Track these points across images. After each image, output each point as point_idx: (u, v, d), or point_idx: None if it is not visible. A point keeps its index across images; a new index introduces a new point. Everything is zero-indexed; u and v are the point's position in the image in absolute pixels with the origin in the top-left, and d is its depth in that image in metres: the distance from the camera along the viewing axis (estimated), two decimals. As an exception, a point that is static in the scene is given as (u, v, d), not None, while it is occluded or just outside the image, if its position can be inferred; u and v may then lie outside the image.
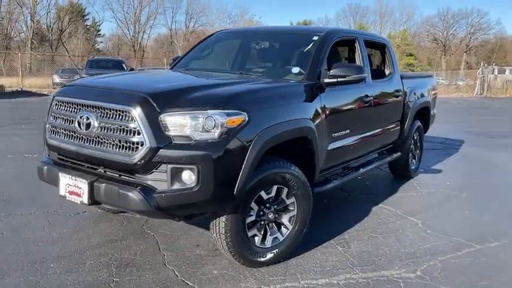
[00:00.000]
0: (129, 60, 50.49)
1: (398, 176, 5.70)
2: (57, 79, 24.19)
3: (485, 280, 3.02)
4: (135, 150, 2.60)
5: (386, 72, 5.05)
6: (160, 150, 2.56)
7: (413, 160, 5.78)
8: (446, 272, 3.13)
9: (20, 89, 20.47)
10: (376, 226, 3.97)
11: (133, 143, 2.61)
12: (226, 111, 2.62)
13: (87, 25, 57.72)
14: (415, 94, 5.45)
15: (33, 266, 2.95)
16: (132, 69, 20.36)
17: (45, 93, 20.21)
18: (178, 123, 2.59)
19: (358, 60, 4.26)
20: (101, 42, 62.38)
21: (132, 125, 2.61)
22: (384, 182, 5.62)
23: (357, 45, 4.31)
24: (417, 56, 62.45)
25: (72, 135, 2.90)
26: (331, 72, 3.53)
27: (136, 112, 2.58)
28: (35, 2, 48.68)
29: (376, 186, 5.38)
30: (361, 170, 4.29)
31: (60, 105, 3.01)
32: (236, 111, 2.66)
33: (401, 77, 5.17)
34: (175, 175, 2.58)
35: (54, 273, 2.88)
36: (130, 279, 2.83)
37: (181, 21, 60.49)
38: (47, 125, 3.12)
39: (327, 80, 3.55)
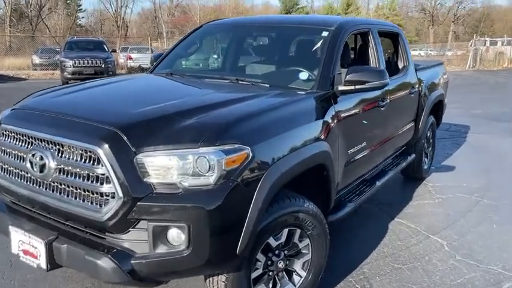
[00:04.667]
0: (113, 36, 48.80)
1: (409, 177, 5.16)
2: (36, 60, 22.98)
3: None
4: (105, 204, 1.97)
5: (400, 65, 4.42)
6: (138, 203, 1.94)
7: (426, 159, 5.23)
8: (491, 321, 2.61)
9: (-4, 73, 19.37)
10: (397, 252, 3.43)
11: (102, 194, 1.98)
12: (223, 147, 2.00)
13: (67, 0, 55.38)
14: (429, 88, 4.86)
15: None
16: (114, 51, 19.35)
17: (23, 77, 19.16)
18: (161, 166, 1.97)
19: (373, 57, 3.62)
20: (83, 17, 60.12)
21: (99, 170, 1.97)
22: (395, 186, 5.07)
23: (370, 37, 3.66)
24: (405, 26, 61.54)
25: (25, 175, 2.25)
26: (348, 77, 2.90)
27: (104, 153, 1.95)
28: (11, -25, 46.40)
29: (388, 192, 4.82)
30: (377, 184, 3.71)
31: (7, 135, 2.35)
32: (237, 145, 2.03)
33: (415, 69, 4.57)
34: (159, 235, 1.97)
35: None
36: None
37: (166, -6, 58.26)
38: None
39: (341, 88, 2.92)
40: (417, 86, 4.46)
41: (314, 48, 3.22)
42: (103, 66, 15.30)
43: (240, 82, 3.04)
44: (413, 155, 4.68)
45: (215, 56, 3.82)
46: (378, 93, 3.37)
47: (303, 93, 2.84)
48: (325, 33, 3.20)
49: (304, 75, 3.02)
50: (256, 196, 2.07)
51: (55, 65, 20.91)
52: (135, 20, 63.56)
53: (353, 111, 3.06)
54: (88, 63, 15.13)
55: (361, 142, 3.24)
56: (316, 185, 2.74)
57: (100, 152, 1.94)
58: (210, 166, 1.96)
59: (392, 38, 4.48)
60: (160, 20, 53.79)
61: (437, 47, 40.77)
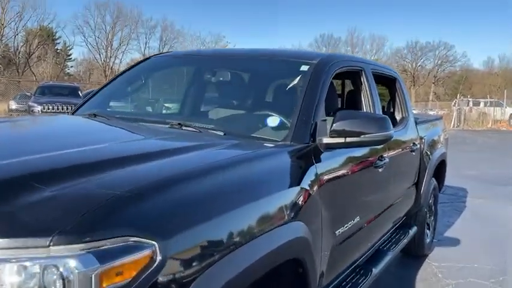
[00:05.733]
0: (100, 85, 48.26)
1: (408, 254, 4.20)
2: (13, 105, 22.12)
3: None
4: None
5: (397, 116, 3.62)
6: None
7: (428, 231, 4.31)
8: None
9: (-36, 117, 18.27)
10: None
11: None
12: (99, 245, 1.04)
13: (57, 49, 55.46)
14: (431, 145, 4.05)
15: None
16: (88, 97, 18.51)
17: (-9, 121, 18.10)
18: (-26, 280, 1.00)
19: (366, 104, 2.79)
20: (71, 66, 59.96)
21: None
22: (392, 266, 4.07)
23: (363, 79, 2.84)
24: (388, 86, 62.91)
25: None
26: (336, 125, 2.03)
27: None
28: (2, 24, 46.63)
29: (383, 275, 3.81)
30: (374, 271, 2.75)
31: None
32: (132, 241, 1.08)
33: (416, 122, 3.77)
34: None
35: None
36: None
37: (155, 47, 58.78)
38: None
39: (327, 140, 2.05)
40: (418, 142, 3.63)
41: (290, 86, 2.37)
42: (74, 112, 14.38)
43: (185, 128, 2.14)
44: (414, 228, 3.76)
45: (161, 95, 2.96)
46: (375, 149, 2.51)
47: (270, 145, 1.95)
48: (304, 68, 2.37)
49: (273, 120, 2.14)
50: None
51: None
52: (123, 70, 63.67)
53: (342, 174, 2.17)
54: (58, 108, 14.23)
55: (353, 217, 2.32)
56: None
57: None
58: (66, 284, 0.99)
59: (388, 83, 3.70)
60: (148, 71, 53.77)
61: (418, 106, 41.47)
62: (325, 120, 2.16)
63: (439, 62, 63.31)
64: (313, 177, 1.90)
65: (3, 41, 47.66)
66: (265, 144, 1.98)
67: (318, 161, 1.99)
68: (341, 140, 2.04)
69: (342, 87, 4.07)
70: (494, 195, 7.37)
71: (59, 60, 54.28)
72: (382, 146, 2.59)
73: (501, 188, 8.00)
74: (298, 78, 2.33)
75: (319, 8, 75.91)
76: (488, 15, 74.04)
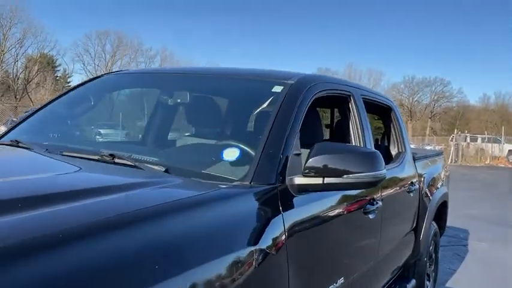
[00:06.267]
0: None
1: (406, 310, 3.64)
2: (4, 130, 21.84)
3: None
4: None
5: (393, 151, 3.15)
6: None
7: (428, 283, 3.76)
8: None
9: None
10: None
11: None
12: None
13: (56, 76, 55.64)
14: (431, 184, 3.57)
15: None
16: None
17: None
18: None
19: (355, 135, 2.33)
20: (69, 93, 59.85)
21: None
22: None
23: (351, 106, 2.39)
24: (385, 120, 63.14)
25: None
26: (311, 161, 1.56)
27: None
28: (2, 51, 46.85)
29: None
30: None
31: None
32: None
33: (414, 158, 3.30)
34: None
35: None
36: None
37: (153, 76, 58.78)
38: None
39: (299, 181, 1.57)
40: (417, 181, 3.15)
41: (257, 111, 1.90)
42: (60, 139, 13.91)
43: (117, 160, 1.65)
44: (413, 281, 3.23)
45: (103, 120, 2.49)
46: (365, 190, 2.03)
47: (223, 186, 1.46)
48: (277, 89, 1.91)
49: (231, 153, 1.66)
50: None
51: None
52: (120, 98, 63.80)
53: (320, 225, 1.68)
54: (44, 135, 13.75)
55: (335, 279, 1.81)
56: None
57: None
58: None
59: (382, 113, 3.26)
60: (145, 99, 53.78)
61: (415, 140, 41.39)
62: (300, 154, 1.69)
63: (436, 97, 63.76)
64: (279, 232, 1.41)
65: (2, 68, 47.82)
66: (218, 185, 1.49)
67: (287, 208, 1.50)
68: (318, 180, 1.56)
69: (331, 118, 3.64)
70: (498, 238, 6.83)
71: (57, 87, 54.28)
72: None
73: (505, 230, 7.48)
74: (269, 101, 1.87)
75: (317, 42, 77.22)
76: (484, 52, 75.41)
